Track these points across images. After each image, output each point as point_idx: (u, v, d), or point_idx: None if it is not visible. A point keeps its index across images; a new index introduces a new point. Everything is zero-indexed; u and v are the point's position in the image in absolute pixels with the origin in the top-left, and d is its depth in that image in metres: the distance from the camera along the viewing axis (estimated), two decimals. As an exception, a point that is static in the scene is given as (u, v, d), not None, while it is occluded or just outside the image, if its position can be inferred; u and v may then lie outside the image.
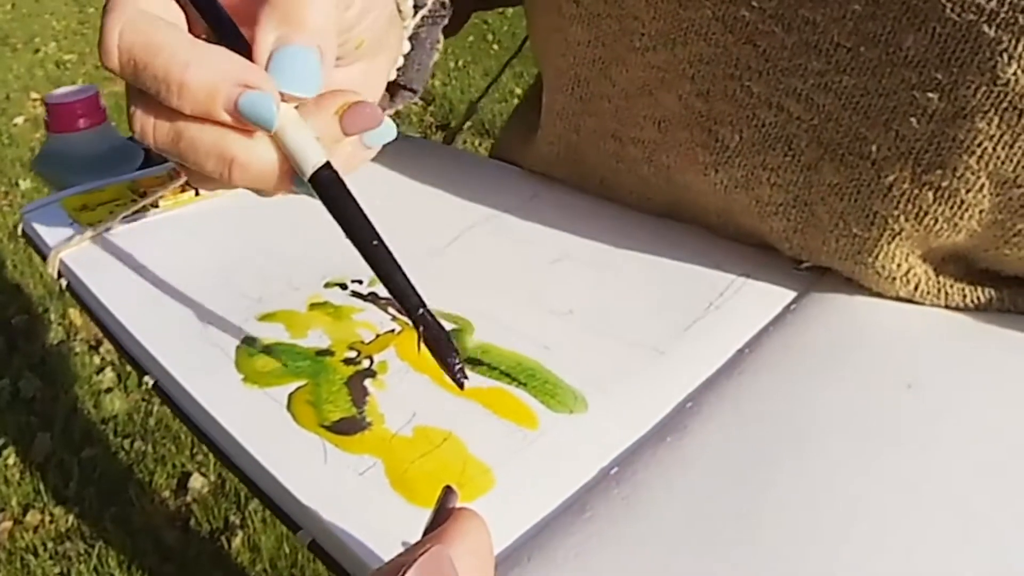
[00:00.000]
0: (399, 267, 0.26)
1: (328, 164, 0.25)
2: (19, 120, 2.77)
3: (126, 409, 1.44)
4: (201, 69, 0.23)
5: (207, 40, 0.25)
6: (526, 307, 0.35)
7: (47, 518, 1.23)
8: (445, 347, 0.25)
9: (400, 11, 0.33)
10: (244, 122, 0.24)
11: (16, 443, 1.38)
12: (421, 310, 0.25)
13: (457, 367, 0.25)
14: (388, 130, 0.27)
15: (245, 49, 0.25)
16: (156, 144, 0.25)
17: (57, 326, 1.67)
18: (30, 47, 3.60)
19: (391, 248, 0.26)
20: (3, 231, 2.08)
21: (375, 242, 0.25)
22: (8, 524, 1.23)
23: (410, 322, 0.26)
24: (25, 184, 2.30)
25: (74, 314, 1.69)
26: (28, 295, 1.79)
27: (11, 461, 1.34)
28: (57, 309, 1.71)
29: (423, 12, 0.36)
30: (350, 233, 0.26)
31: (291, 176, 0.26)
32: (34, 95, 2.99)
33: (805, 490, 0.26)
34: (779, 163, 0.35)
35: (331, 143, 0.26)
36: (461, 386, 0.25)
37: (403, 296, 0.26)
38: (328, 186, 0.25)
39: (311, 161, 0.25)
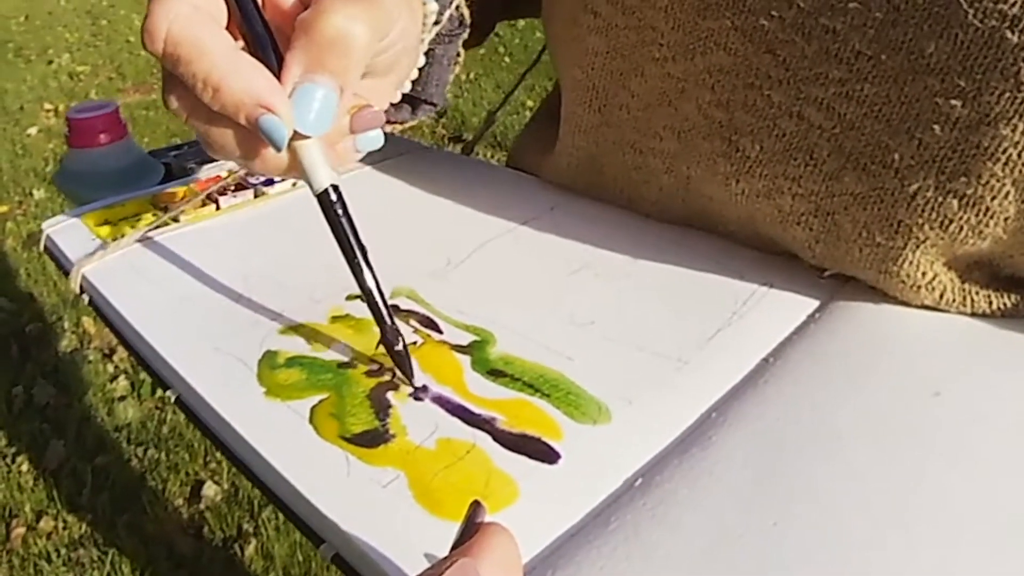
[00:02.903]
0: (378, 285, 0.31)
1: (335, 187, 0.29)
2: (32, 131, 2.79)
3: (139, 417, 1.44)
4: (235, 82, 0.26)
5: (245, 39, 0.28)
6: (548, 318, 0.35)
7: (60, 525, 1.24)
8: (403, 363, 0.31)
9: (424, 23, 0.35)
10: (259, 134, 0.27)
11: (30, 450, 1.39)
12: (389, 323, 0.31)
13: (411, 381, 0.31)
14: (378, 138, 0.31)
15: (278, 63, 0.28)
16: (188, 122, 0.28)
17: (71, 334, 1.68)
18: (43, 59, 3.64)
19: (374, 264, 0.31)
20: (17, 240, 2.09)
21: (356, 259, 0.30)
22: (22, 530, 1.23)
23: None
24: (39, 194, 2.32)
25: (88, 322, 1.70)
26: (42, 303, 1.80)
27: (25, 468, 1.35)
28: (71, 317, 1.72)
29: (437, 29, 0.38)
30: (341, 246, 0.30)
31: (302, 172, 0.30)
32: (47, 106, 3.02)
33: (833, 500, 0.25)
34: (801, 173, 0.34)
35: (337, 136, 0.29)
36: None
37: (375, 308, 0.31)
38: (331, 205, 0.30)
39: (319, 182, 0.29)
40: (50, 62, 3.59)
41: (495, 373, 0.32)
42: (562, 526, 0.25)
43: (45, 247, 0.44)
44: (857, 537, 0.24)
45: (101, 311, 0.38)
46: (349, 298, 0.37)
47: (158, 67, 0.28)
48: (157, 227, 0.43)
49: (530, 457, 0.28)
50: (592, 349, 0.33)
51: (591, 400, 0.30)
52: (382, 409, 0.30)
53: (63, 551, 1.19)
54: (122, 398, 1.49)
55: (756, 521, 0.25)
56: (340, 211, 0.30)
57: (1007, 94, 0.28)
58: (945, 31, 0.29)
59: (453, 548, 0.21)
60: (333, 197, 0.29)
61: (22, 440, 1.41)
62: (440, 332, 0.34)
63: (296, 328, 0.35)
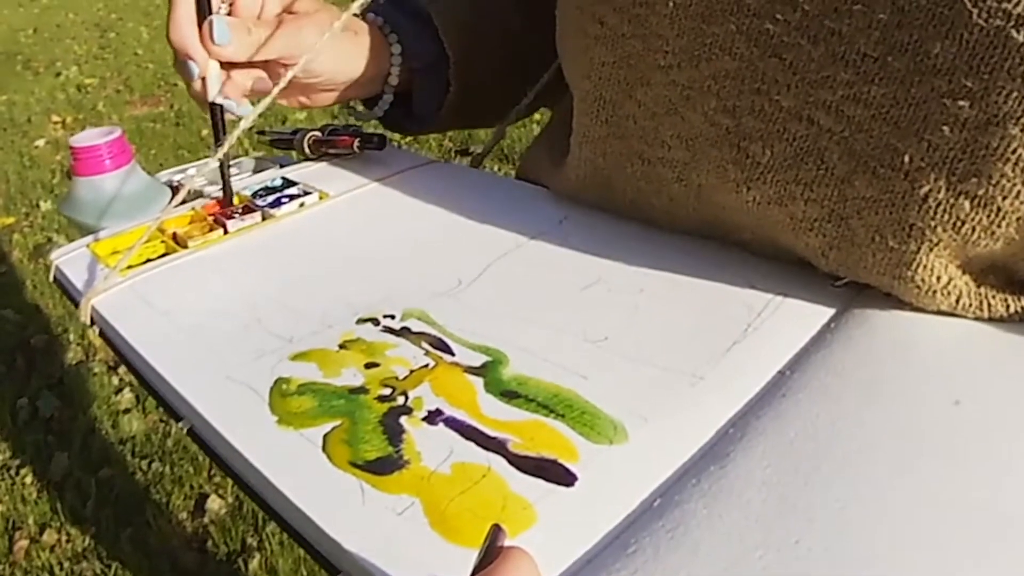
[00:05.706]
0: (223, 115, 0.47)
1: (220, 105, 0.46)
2: (40, 143, 2.80)
3: (144, 430, 1.44)
4: (176, 34, 0.44)
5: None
6: (561, 336, 0.35)
7: (64, 537, 1.24)
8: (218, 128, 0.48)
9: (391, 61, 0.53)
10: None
11: (34, 462, 1.39)
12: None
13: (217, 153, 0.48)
14: (248, 107, 0.48)
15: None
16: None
17: (76, 346, 1.68)
18: (51, 71, 3.64)
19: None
20: (24, 252, 2.09)
21: (219, 130, 0.47)
22: (25, 543, 1.23)
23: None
24: (46, 205, 2.32)
25: (93, 335, 1.69)
26: (47, 315, 1.80)
27: (28, 480, 1.35)
28: (76, 329, 1.72)
29: (399, 68, 0.54)
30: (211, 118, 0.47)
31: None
32: (55, 118, 3.03)
33: (855, 514, 0.25)
34: (812, 177, 0.34)
35: (239, 93, 0.47)
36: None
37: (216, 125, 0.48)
38: (216, 110, 0.47)
39: (211, 95, 0.46)
40: (58, 74, 3.59)
41: (509, 394, 0.31)
42: (580, 550, 0.25)
43: (54, 278, 0.44)
44: (882, 551, 0.24)
45: (112, 343, 0.38)
46: (359, 322, 0.37)
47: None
48: (165, 254, 0.43)
49: (546, 480, 0.27)
50: (606, 366, 0.33)
51: (606, 419, 0.30)
52: (395, 435, 0.29)
53: (66, 564, 1.19)
54: (127, 410, 1.49)
55: (777, 539, 0.24)
56: (219, 112, 0.47)
57: (1015, 93, 0.28)
58: (950, 32, 0.28)
59: (474, 573, 0.20)
60: (218, 106, 0.47)
61: (26, 452, 1.41)
62: (452, 354, 0.34)
63: (307, 354, 0.34)
